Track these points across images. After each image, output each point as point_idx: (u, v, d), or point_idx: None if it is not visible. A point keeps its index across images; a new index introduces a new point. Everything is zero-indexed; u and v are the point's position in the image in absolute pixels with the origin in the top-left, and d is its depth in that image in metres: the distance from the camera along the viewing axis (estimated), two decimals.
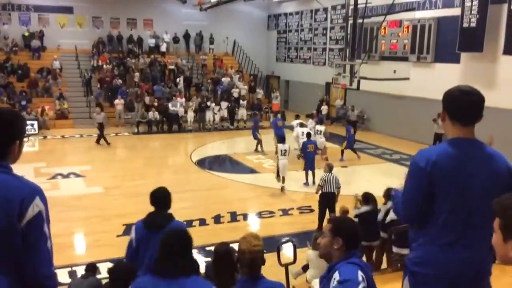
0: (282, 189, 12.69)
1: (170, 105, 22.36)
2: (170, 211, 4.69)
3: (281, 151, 12.70)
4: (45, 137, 20.22)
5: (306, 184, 13.18)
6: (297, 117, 17.36)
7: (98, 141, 18.41)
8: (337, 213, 8.61)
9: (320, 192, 9.72)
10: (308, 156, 13.14)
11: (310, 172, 13.26)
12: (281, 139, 13.96)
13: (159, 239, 4.19)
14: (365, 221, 7.19)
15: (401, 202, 2.79)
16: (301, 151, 14.11)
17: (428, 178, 2.61)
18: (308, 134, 14.15)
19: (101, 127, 18.31)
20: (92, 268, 6.12)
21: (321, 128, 16.33)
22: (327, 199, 9.59)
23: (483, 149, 2.76)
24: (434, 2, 18.62)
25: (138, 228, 4.55)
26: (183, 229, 3.42)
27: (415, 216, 2.73)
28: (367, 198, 7.87)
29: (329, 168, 9.90)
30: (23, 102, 21.86)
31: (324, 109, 24.79)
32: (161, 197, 4.60)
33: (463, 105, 2.78)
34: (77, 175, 14.12)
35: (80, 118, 22.60)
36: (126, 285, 3.44)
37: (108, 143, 18.29)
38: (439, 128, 17.79)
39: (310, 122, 17.06)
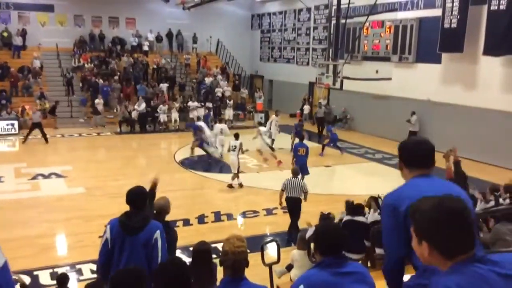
0: (236, 186, 12.96)
1: (136, 105, 21.93)
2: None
3: (231, 146, 12.82)
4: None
5: None
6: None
7: (25, 140, 18.25)
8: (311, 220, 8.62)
9: (283, 196, 9.82)
10: (299, 159, 12.79)
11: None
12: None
13: (135, 242, 4.13)
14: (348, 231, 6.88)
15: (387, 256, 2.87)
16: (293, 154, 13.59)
17: (405, 219, 2.47)
18: (301, 137, 13.85)
19: (36, 126, 18.16)
20: (62, 280, 5.94)
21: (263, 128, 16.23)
22: (289, 204, 9.68)
23: (443, 180, 2.94)
24: (415, 3, 18.83)
25: (113, 227, 4.31)
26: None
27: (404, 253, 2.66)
28: (349, 207, 7.70)
29: (294, 173, 9.92)
30: (3, 102, 21.52)
31: (306, 108, 24.93)
32: (137, 197, 4.39)
33: (420, 153, 2.86)
34: (59, 176, 13.95)
35: (62, 117, 22.32)
36: None
37: (46, 141, 18.16)
38: (412, 126, 18.52)
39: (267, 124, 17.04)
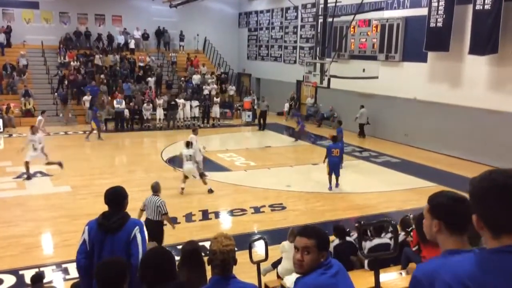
0: (182, 190, 12.14)
1: (115, 102, 21.65)
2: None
3: (185, 156, 12.19)
4: (10, 135, 19.68)
5: (329, 188, 12.61)
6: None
7: None
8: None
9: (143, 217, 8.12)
10: (332, 160, 12.51)
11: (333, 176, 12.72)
12: None
13: (115, 242, 4.15)
14: (339, 254, 6.64)
15: None
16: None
17: None
18: (334, 138, 13.44)
19: None
20: (38, 279, 5.93)
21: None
22: (148, 227, 7.37)
23: None
24: (402, 2, 18.95)
25: (91, 229, 4.31)
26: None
27: None
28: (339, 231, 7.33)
29: (153, 190, 8.32)
30: None
31: (286, 106, 25.08)
32: (115, 197, 4.37)
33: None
34: (44, 174, 13.81)
35: (47, 116, 22.04)
36: (120, 287, 3.19)
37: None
38: (360, 119, 20.20)
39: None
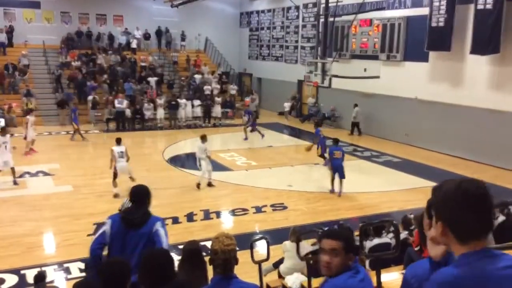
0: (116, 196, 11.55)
1: (116, 102, 21.67)
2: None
3: (117, 153, 11.89)
4: (12, 134, 19.65)
5: (332, 191, 12.39)
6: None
7: None
8: None
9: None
10: (335, 162, 12.24)
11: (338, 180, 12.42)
12: None
13: (137, 236, 4.26)
14: None
15: None
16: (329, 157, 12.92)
17: None
18: (336, 141, 13.22)
19: None
20: (40, 278, 5.98)
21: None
22: None
23: None
24: (403, 2, 18.92)
25: (114, 223, 4.42)
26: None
27: None
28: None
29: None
30: None
31: (287, 105, 25.07)
32: (139, 194, 4.53)
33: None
34: (46, 174, 13.83)
35: (49, 115, 22.13)
36: (122, 286, 3.25)
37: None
38: (354, 118, 20.69)
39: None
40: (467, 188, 1.73)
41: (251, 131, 19.78)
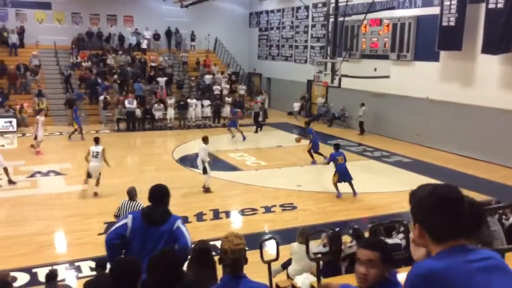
0: (96, 194, 11.93)
1: (126, 102, 21.76)
2: None
3: (93, 152, 11.90)
4: (23, 134, 19.90)
5: (339, 195, 12.15)
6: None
7: None
8: None
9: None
10: (340, 167, 12.13)
11: (343, 183, 12.29)
12: None
13: (158, 234, 4.32)
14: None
15: None
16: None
17: None
18: (337, 146, 12.98)
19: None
20: (52, 277, 6.03)
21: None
22: None
23: None
24: (413, 1, 18.81)
25: (136, 218, 4.46)
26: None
27: None
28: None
29: (129, 195, 8.08)
30: None
31: (296, 105, 25.04)
32: (158, 193, 4.60)
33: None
34: (57, 173, 13.93)
35: (60, 115, 22.30)
36: (133, 285, 3.26)
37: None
38: (361, 117, 20.76)
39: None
40: (441, 192, 1.86)
41: (227, 129, 20.02)
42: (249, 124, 21.66)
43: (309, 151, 15.73)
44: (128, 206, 7.89)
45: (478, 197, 8.14)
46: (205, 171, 12.34)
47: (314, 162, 15.59)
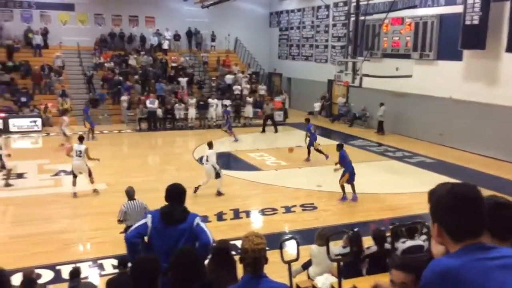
0: (95, 191, 12.21)
1: (148, 102, 21.95)
2: None
3: (75, 151, 11.93)
4: (48, 134, 20.26)
5: (344, 199, 11.85)
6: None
7: None
8: None
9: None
10: (350, 166, 11.79)
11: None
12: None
13: (177, 232, 4.38)
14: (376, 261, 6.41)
15: None
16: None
17: None
18: (340, 145, 12.68)
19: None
20: (76, 274, 6.15)
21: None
22: None
23: None
24: (436, 0, 18.57)
25: (155, 217, 4.52)
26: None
27: None
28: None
29: (128, 195, 8.17)
30: (23, 99, 21.90)
31: (317, 105, 24.92)
32: (175, 192, 4.65)
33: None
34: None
35: (83, 115, 22.58)
36: (154, 282, 3.30)
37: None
38: (380, 117, 20.67)
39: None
40: (459, 191, 1.86)
41: (225, 131, 19.98)
42: (270, 124, 21.63)
43: (316, 149, 15.66)
44: (133, 206, 8.00)
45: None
46: (218, 175, 12.17)
47: (327, 157, 15.15)
